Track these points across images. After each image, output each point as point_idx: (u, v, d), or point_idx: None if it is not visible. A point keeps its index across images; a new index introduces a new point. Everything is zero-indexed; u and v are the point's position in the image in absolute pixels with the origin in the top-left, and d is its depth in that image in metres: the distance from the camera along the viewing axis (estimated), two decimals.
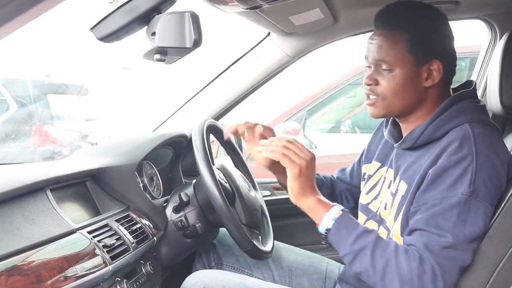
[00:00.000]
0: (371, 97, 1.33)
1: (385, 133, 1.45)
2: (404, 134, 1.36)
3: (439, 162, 1.20)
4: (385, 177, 1.41)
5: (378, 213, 1.38)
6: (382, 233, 1.34)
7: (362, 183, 1.51)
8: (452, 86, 1.36)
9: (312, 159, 1.27)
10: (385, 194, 1.37)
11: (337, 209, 1.24)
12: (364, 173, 1.52)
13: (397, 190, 1.31)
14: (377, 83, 1.31)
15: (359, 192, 1.54)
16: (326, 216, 1.23)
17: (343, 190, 1.66)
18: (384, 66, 1.29)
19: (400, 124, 1.39)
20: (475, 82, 1.35)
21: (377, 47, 1.30)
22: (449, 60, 1.31)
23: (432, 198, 1.18)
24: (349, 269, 1.24)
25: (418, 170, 1.25)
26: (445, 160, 1.19)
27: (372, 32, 1.35)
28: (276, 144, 1.28)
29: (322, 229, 1.24)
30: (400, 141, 1.35)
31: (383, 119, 1.48)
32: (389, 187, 1.36)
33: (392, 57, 1.28)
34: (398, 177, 1.33)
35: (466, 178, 1.16)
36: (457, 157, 1.18)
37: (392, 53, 1.28)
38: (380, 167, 1.45)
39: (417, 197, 1.22)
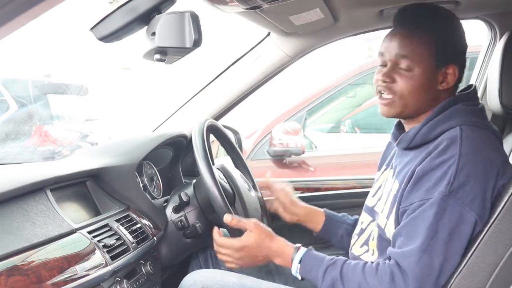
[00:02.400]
0: (386, 95, 1.31)
1: (390, 138, 1.47)
2: None
3: (423, 163, 1.22)
4: (386, 178, 1.43)
5: (373, 209, 1.41)
6: (373, 229, 1.37)
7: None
8: None
9: (243, 247, 1.38)
10: (383, 193, 1.39)
11: (298, 256, 1.32)
12: (374, 179, 1.55)
13: (391, 189, 1.33)
14: (393, 81, 1.29)
15: None
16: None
17: None
18: (403, 65, 1.28)
19: (405, 126, 1.39)
20: (475, 85, 1.36)
21: (399, 43, 1.29)
22: (462, 65, 1.32)
23: (416, 199, 1.21)
24: None
25: (409, 170, 1.26)
26: (429, 162, 1.21)
27: (390, 29, 1.35)
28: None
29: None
30: (397, 141, 1.36)
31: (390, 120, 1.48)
32: (386, 186, 1.38)
33: (414, 55, 1.27)
34: (394, 177, 1.34)
35: (445, 178, 1.17)
36: (440, 159, 1.19)
37: (416, 51, 1.27)
38: (385, 169, 1.47)
39: (404, 197, 1.25)
